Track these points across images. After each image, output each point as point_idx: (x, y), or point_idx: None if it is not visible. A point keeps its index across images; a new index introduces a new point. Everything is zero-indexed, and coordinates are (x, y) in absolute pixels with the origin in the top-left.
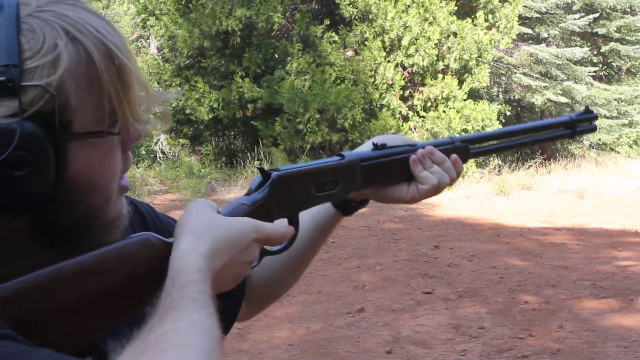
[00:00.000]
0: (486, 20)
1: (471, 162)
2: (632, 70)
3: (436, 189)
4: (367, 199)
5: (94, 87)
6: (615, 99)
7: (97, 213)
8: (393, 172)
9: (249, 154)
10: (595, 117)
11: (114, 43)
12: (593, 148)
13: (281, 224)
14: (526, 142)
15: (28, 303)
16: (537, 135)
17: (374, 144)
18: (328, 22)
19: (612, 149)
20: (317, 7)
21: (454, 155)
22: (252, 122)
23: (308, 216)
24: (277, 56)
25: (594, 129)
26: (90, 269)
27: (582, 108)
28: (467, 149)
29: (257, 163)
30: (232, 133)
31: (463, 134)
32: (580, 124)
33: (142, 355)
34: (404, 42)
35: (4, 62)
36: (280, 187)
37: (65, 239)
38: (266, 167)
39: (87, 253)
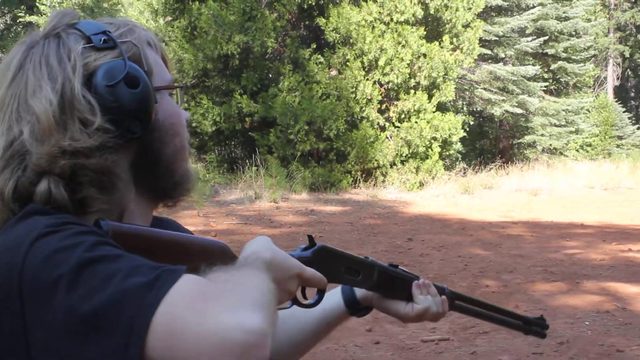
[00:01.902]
0: (451, 43)
1: (440, 166)
2: (578, 85)
3: (425, 312)
4: (371, 307)
5: (158, 55)
6: (563, 110)
7: (179, 159)
8: (398, 286)
9: (247, 161)
10: (546, 327)
11: (154, 38)
12: (545, 152)
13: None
14: (493, 320)
15: (128, 246)
16: (502, 318)
17: (389, 264)
18: (314, 46)
19: (561, 153)
20: (305, 32)
21: (443, 296)
22: (249, 133)
23: (320, 309)
24: (270, 76)
25: (543, 337)
26: (179, 245)
27: (540, 315)
28: (453, 298)
29: (254, 168)
30: (233, 143)
31: (433, 142)
32: (535, 327)
33: (230, 273)
34: (381, 63)
35: (102, 30)
36: (322, 254)
37: (161, 183)
38: (263, 172)
39: (180, 234)
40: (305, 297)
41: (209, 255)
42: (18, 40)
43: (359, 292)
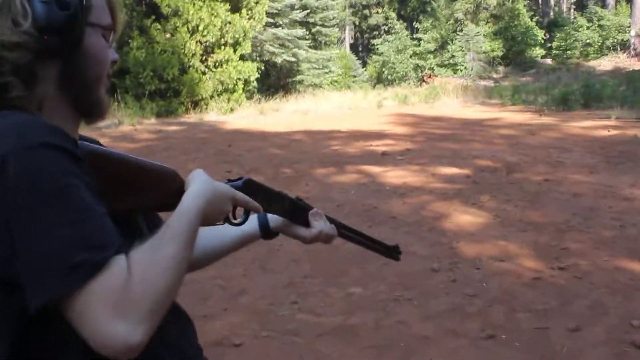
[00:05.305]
0: (247, 14)
1: (243, 97)
2: (327, 42)
3: (319, 234)
4: (278, 233)
5: (104, 2)
6: (320, 58)
7: (97, 85)
8: (301, 215)
9: (110, 98)
10: (400, 253)
11: None
12: (310, 86)
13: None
14: (365, 245)
15: (99, 167)
16: (370, 244)
17: (297, 198)
18: (154, 17)
19: (320, 87)
20: (145, 8)
21: (332, 225)
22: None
23: (239, 230)
24: (125, 39)
25: (398, 260)
26: (141, 170)
27: (396, 244)
28: (339, 227)
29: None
30: None
31: (238, 81)
32: (394, 252)
33: (154, 245)
34: (200, 28)
35: None
36: (247, 185)
37: (80, 99)
38: (123, 105)
39: (142, 159)
40: (235, 218)
41: (163, 181)
42: None
43: (271, 221)
